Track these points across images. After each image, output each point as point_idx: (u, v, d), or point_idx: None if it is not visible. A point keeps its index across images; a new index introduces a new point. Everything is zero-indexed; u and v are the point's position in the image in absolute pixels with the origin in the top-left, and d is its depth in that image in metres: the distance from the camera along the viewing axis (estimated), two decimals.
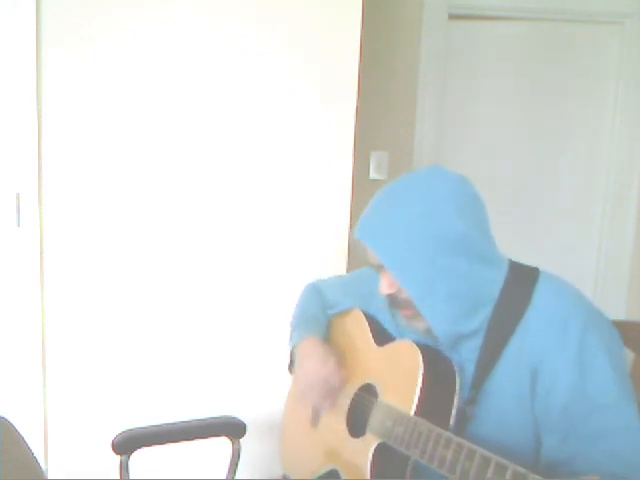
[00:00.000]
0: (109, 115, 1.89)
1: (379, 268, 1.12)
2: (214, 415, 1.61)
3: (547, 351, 1.03)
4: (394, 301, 1.14)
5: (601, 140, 2.81)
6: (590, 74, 2.77)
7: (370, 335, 1.27)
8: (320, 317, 1.40)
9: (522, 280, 1.09)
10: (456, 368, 1.09)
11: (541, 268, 1.14)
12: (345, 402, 1.26)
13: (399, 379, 1.13)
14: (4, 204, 1.88)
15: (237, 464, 1.55)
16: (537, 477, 0.82)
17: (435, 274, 1.05)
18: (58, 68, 1.85)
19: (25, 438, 1.14)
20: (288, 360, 1.39)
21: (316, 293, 1.47)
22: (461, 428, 1.05)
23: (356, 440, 1.20)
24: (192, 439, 1.55)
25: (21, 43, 1.81)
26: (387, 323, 1.26)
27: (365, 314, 1.32)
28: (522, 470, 0.84)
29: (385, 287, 1.12)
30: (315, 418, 1.36)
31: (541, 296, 1.07)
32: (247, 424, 1.55)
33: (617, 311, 2.80)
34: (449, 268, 1.05)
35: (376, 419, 1.14)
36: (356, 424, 1.22)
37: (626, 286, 2.84)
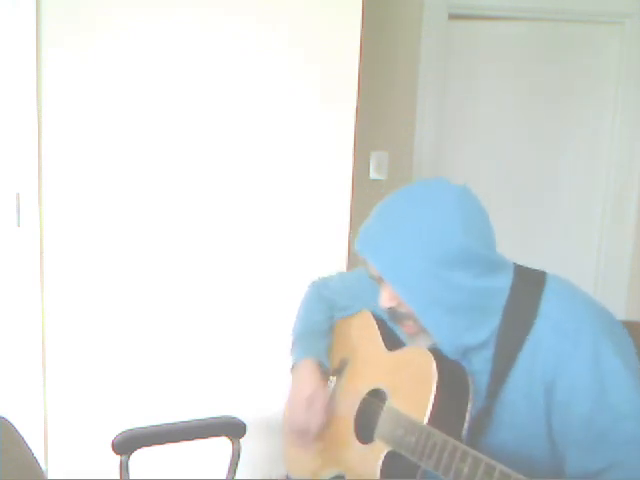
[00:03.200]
0: (109, 115, 1.89)
1: (379, 281, 1.11)
2: (214, 415, 1.61)
3: (561, 365, 1.00)
4: (394, 314, 1.13)
5: (601, 140, 2.81)
6: (590, 74, 2.77)
7: (380, 339, 1.25)
8: (323, 326, 1.39)
9: (529, 286, 1.07)
10: (469, 376, 1.07)
11: (547, 271, 1.12)
12: (353, 406, 1.24)
13: (411, 386, 1.11)
14: (4, 204, 1.88)
15: (237, 464, 1.55)
16: None
17: (438, 287, 1.03)
18: (58, 68, 1.85)
19: (25, 438, 1.14)
20: (290, 368, 1.39)
21: (320, 296, 1.45)
22: (476, 438, 1.03)
23: (365, 446, 1.17)
24: (192, 439, 1.55)
25: (21, 43, 1.81)
26: (397, 327, 1.24)
27: (375, 316, 1.30)
28: None
29: (385, 300, 1.11)
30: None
31: (549, 303, 1.04)
32: (247, 424, 1.54)
33: (617, 311, 2.77)
34: (452, 281, 1.03)
35: (386, 426, 1.12)
36: (364, 429, 1.20)
37: (626, 286, 2.84)
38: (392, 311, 1.12)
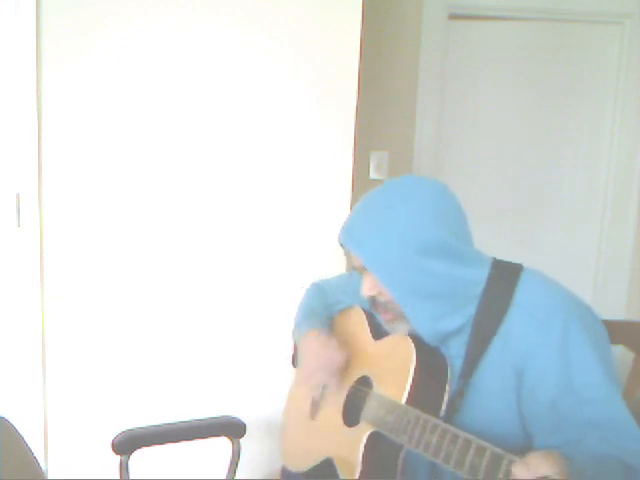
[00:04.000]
0: (109, 115, 1.88)
1: (362, 270, 1.16)
2: (214, 415, 1.61)
3: (530, 350, 1.05)
4: (375, 303, 1.19)
5: (601, 140, 2.81)
6: (590, 74, 2.77)
7: (368, 330, 1.31)
8: (323, 313, 1.45)
9: (505, 277, 1.12)
10: (447, 360, 1.13)
11: (525, 264, 1.16)
12: (342, 394, 1.30)
13: (392, 370, 1.17)
14: (4, 204, 1.88)
15: (237, 464, 1.55)
16: (513, 457, 0.86)
17: (415, 275, 1.09)
18: (58, 68, 1.85)
19: (25, 438, 1.14)
20: (292, 353, 1.41)
21: (319, 292, 1.51)
22: (449, 419, 1.07)
23: (350, 429, 1.23)
24: (192, 439, 1.55)
25: (21, 43, 1.81)
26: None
27: (365, 311, 1.36)
28: (499, 451, 0.88)
29: (367, 289, 1.17)
30: (314, 410, 1.39)
31: (523, 293, 1.10)
32: (247, 424, 1.55)
33: (617, 311, 2.80)
34: (428, 270, 1.08)
35: (370, 409, 1.17)
36: (351, 415, 1.24)
37: (626, 286, 2.84)
38: (373, 299, 1.18)
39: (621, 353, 1.78)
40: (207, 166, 1.94)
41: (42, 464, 1.97)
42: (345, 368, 1.30)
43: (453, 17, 2.67)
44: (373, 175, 2.63)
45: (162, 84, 1.89)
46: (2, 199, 1.88)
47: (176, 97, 1.90)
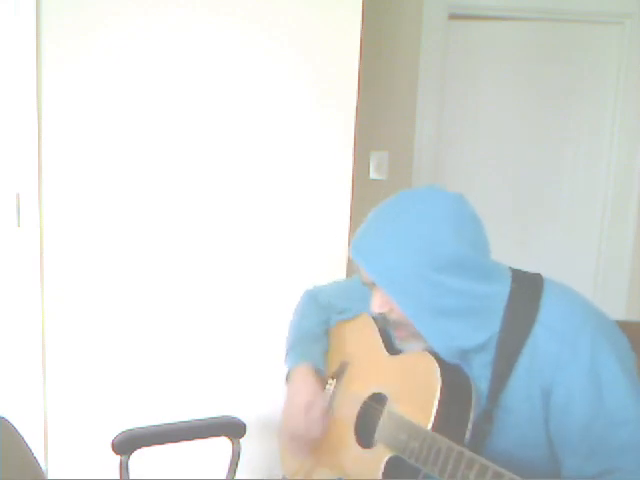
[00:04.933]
0: (109, 116, 1.88)
1: (371, 286, 1.11)
2: (214, 415, 1.61)
3: (558, 370, 1.01)
4: (386, 320, 1.13)
5: (601, 140, 2.81)
6: (590, 74, 2.78)
7: (381, 342, 1.24)
8: (316, 329, 1.39)
9: (527, 292, 1.07)
10: (472, 381, 1.07)
11: (544, 275, 1.12)
12: (353, 410, 1.24)
13: (414, 390, 1.10)
14: (4, 204, 1.88)
15: (237, 464, 1.55)
16: None
17: (430, 291, 1.04)
18: (58, 68, 1.85)
19: (25, 438, 1.14)
20: (285, 376, 1.38)
21: (313, 302, 1.45)
22: (479, 443, 1.03)
23: (365, 451, 1.17)
24: (192, 439, 1.55)
25: (21, 43, 1.81)
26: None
27: (375, 320, 1.28)
28: None
29: (377, 306, 1.11)
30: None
31: (548, 309, 1.05)
32: (247, 424, 1.54)
33: (617, 311, 2.80)
34: (445, 286, 1.03)
35: (387, 430, 1.11)
36: (364, 433, 1.19)
37: (626, 286, 2.84)
38: (383, 317, 1.13)
39: None
40: (207, 166, 1.94)
41: (42, 464, 1.97)
42: (348, 385, 1.26)
43: (453, 17, 2.68)
44: (373, 175, 2.63)
45: (162, 84, 1.89)
46: (2, 199, 1.88)
47: (176, 97, 1.90)
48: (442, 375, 1.04)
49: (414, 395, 1.10)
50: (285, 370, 1.38)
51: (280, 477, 1.50)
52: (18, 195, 1.87)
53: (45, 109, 1.85)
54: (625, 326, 1.11)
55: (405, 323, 1.09)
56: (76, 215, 1.91)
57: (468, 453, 0.94)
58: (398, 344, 1.16)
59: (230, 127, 1.94)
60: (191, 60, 1.89)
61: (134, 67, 1.88)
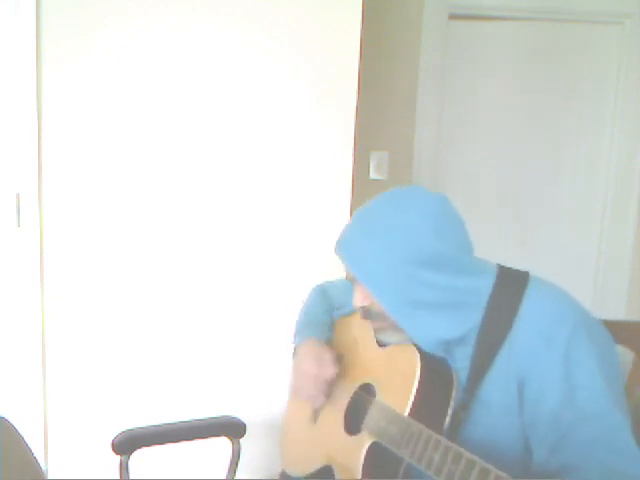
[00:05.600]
0: (109, 116, 1.89)
1: (353, 280, 1.15)
2: (214, 415, 1.61)
3: (533, 362, 1.03)
4: (367, 313, 1.17)
5: (601, 140, 2.81)
6: (590, 74, 2.77)
7: (372, 335, 1.28)
8: (324, 319, 1.43)
9: (511, 286, 1.10)
10: (454, 371, 1.10)
11: (531, 272, 1.13)
12: (344, 400, 1.28)
13: (396, 380, 1.15)
14: (4, 204, 1.88)
15: (237, 464, 1.55)
16: None
17: (409, 286, 1.07)
18: (58, 68, 1.85)
19: (25, 438, 1.14)
20: (293, 361, 1.40)
21: (322, 295, 1.50)
22: (454, 432, 1.05)
23: (351, 438, 1.21)
24: (192, 439, 1.55)
25: (21, 43, 1.81)
26: None
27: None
28: (503, 475, 0.85)
29: (358, 300, 1.16)
30: (315, 414, 1.37)
31: (529, 303, 1.07)
32: (247, 424, 1.55)
33: (617, 311, 2.81)
34: (425, 280, 1.06)
35: (372, 418, 1.15)
36: (353, 422, 1.23)
37: (626, 286, 2.84)
38: (365, 310, 1.17)
39: (621, 353, 1.78)
40: (207, 166, 1.94)
41: (42, 464, 1.97)
42: (342, 377, 1.29)
43: (453, 17, 2.67)
44: (373, 175, 2.63)
45: (162, 84, 1.89)
46: (2, 199, 1.88)
47: (176, 97, 1.90)
48: (422, 363, 1.09)
49: (396, 384, 1.14)
50: (293, 347, 1.40)
51: (277, 475, 1.50)
52: (18, 195, 1.87)
53: (45, 109, 1.85)
54: (625, 326, 1.11)
55: (386, 315, 1.12)
56: (76, 215, 1.91)
57: (436, 436, 0.98)
58: (376, 335, 1.21)
59: (230, 127, 1.94)
60: (191, 60, 1.89)
61: (134, 67, 1.88)
